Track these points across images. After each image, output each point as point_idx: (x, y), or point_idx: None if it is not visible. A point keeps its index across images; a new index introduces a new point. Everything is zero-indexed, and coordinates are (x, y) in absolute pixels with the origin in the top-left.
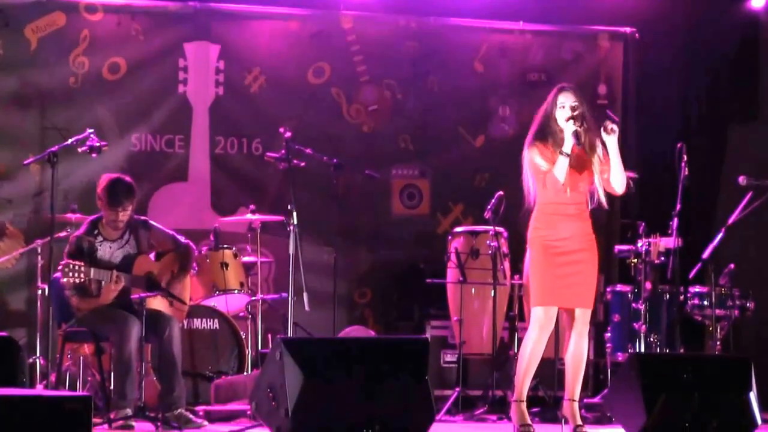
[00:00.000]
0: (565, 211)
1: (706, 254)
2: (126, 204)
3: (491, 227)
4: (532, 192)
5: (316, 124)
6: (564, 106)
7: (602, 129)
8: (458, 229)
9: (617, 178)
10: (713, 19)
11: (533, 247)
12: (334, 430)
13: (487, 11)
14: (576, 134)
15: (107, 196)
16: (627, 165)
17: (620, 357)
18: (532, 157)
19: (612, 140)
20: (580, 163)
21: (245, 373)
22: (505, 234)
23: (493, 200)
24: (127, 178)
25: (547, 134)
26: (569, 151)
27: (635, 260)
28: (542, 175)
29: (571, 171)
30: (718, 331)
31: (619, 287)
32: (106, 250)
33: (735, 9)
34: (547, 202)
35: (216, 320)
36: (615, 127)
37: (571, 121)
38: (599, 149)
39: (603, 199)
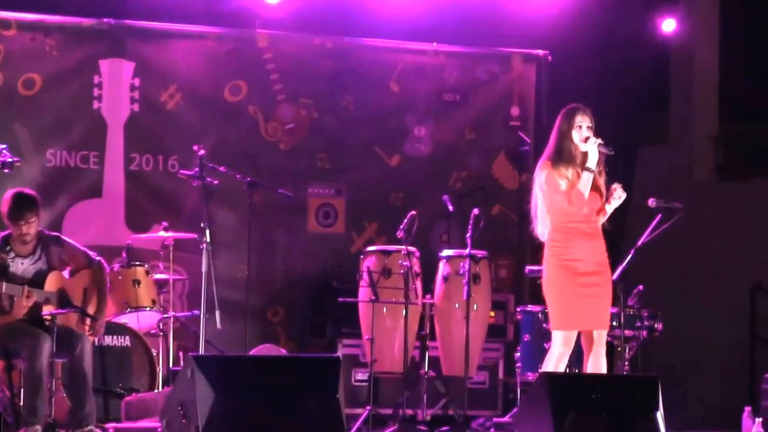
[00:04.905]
0: (582, 229)
1: (615, 275)
2: (29, 217)
3: (403, 247)
4: (540, 213)
5: (234, 142)
6: (581, 125)
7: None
8: (370, 248)
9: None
10: (625, 43)
11: (552, 267)
12: None
13: (401, 32)
14: (605, 146)
15: (9, 210)
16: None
17: (530, 376)
18: (552, 178)
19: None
20: (592, 184)
21: (156, 391)
22: (417, 254)
23: (406, 220)
24: (28, 191)
25: (564, 154)
26: (594, 167)
27: None
28: (562, 195)
29: None
30: (627, 351)
31: (529, 307)
32: (18, 266)
33: (647, 33)
34: (564, 221)
35: (127, 337)
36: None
37: (594, 139)
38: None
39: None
